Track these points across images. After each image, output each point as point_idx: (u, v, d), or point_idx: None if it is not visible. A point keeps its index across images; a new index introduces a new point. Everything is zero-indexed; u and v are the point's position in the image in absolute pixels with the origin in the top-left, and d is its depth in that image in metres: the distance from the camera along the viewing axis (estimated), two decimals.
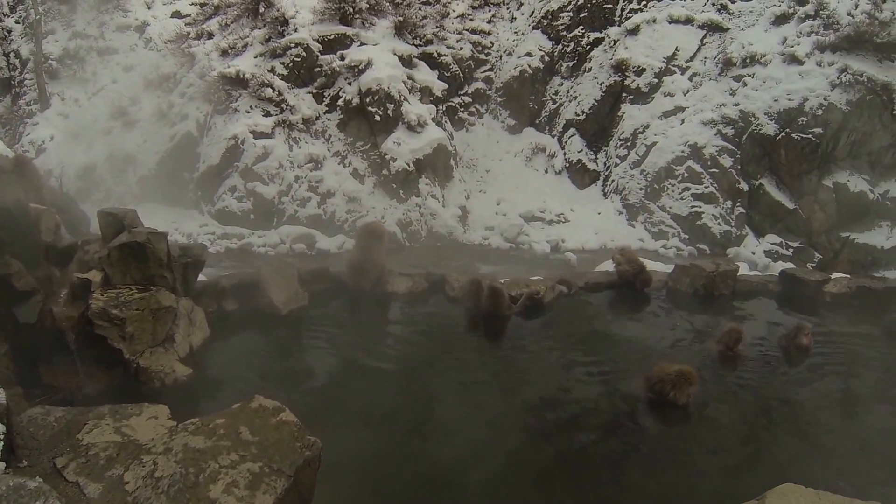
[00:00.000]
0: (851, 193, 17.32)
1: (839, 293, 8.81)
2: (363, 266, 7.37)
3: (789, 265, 15.62)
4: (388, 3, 20.01)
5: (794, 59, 17.86)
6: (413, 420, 4.67)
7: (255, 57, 18.09)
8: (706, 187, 17.47)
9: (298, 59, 18.02)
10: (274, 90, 17.52)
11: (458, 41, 20.78)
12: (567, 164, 20.31)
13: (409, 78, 17.93)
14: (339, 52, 18.22)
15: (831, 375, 6.23)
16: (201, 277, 6.96)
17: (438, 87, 18.69)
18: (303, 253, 16.25)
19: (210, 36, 19.45)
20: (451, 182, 18.44)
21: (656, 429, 4.92)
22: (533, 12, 21.68)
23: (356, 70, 17.78)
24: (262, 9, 18.90)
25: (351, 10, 18.84)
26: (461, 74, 20.61)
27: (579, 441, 4.55)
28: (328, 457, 3.79)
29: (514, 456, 4.35)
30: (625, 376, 5.53)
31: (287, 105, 17.63)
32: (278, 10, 18.70)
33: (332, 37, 18.42)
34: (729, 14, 19.82)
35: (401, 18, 19.46)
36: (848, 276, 10.33)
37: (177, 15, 21.66)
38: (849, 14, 17.98)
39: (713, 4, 20.05)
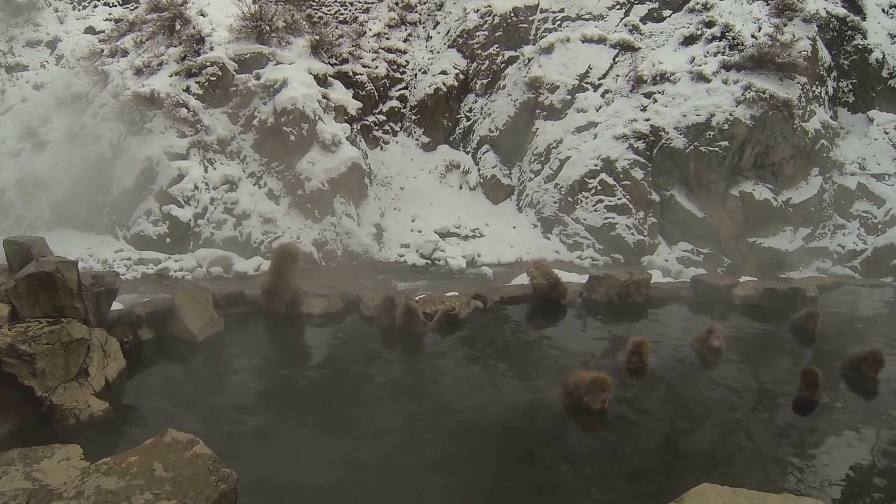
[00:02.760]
0: (757, 201, 19.81)
1: (747, 295, 9.65)
2: (277, 288, 7.63)
3: (701, 271, 17.76)
4: (304, 22, 21.52)
5: (701, 77, 20.33)
6: (332, 441, 4.86)
7: (171, 76, 18.96)
8: (619, 199, 19.62)
9: (214, 79, 19.04)
10: (189, 110, 18.45)
11: (373, 60, 22.58)
12: (481, 180, 22.34)
13: (325, 97, 19.31)
14: (254, 72, 19.36)
15: (743, 374, 6.82)
16: (116, 305, 7.24)
17: (353, 106, 20.19)
18: (220, 276, 16.96)
19: (124, 53, 20.16)
20: (365, 201, 19.73)
21: (574, 435, 5.22)
22: (449, 31, 23.81)
23: (272, 89, 18.96)
24: (178, 26, 19.94)
25: (268, 28, 20.12)
26: (376, 93, 22.38)
27: (498, 450, 4.77)
28: (247, 487, 3.97)
29: (438, 469, 4.61)
30: (542, 386, 5.83)
31: (202, 125, 18.56)
32: (194, 28, 19.78)
33: (249, 56, 19.56)
34: (640, 34, 22.42)
35: (317, 37, 20.83)
36: (755, 279, 11.50)
37: (90, 31, 22.45)
38: (752, 36, 20.67)
39: (625, 25, 22.66)
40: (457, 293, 8.83)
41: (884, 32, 23.21)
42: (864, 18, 23.19)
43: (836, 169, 21.10)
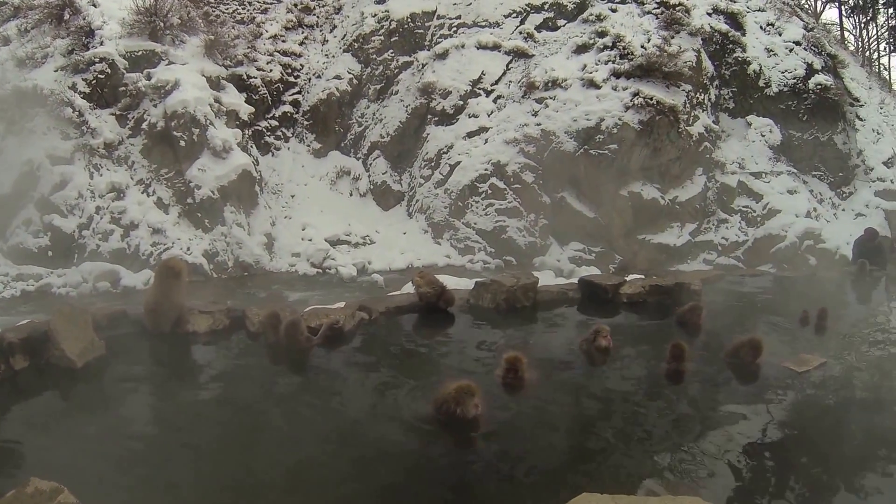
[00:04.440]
0: (645, 201, 22.05)
1: (634, 293, 10.11)
2: (161, 307, 7.53)
3: (593, 269, 19.76)
4: (200, 21, 21.97)
5: (592, 84, 22.49)
6: (218, 469, 4.76)
7: (56, 71, 18.74)
8: (510, 202, 21.42)
9: (102, 77, 19.04)
10: (74, 110, 18.26)
11: (268, 63, 23.68)
12: (372, 186, 23.83)
13: (216, 101, 19.81)
14: (145, 71, 19.46)
15: (630, 371, 7.12)
16: None
17: (245, 111, 20.90)
18: (107, 292, 16.66)
19: (6, 42, 19.68)
20: (256, 209, 20.32)
21: (453, 446, 5.24)
22: (345, 35, 25.36)
23: (163, 91, 19.17)
24: (68, 15, 19.61)
25: (162, 25, 20.27)
26: (269, 97, 23.41)
27: (376, 468, 4.76)
28: None
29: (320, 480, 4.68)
30: (422, 398, 5.85)
31: (88, 127, 18.42)
32: (84, 19, 19.62)
33: (140, 53, 19.71)
34: (535, 42, 24.61)
35: (212, 37, 21.28)
36: (642, 276, 12.44)
37: None
38: (642, 46, 23.11)
39: (521, 33, 24.82)
40: (343, 305, 8.94)
41: (761, 47, 26.66)
42: (743, 34, 26.60)
43: (718, 168, 23.79)
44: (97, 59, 19.12)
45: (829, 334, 8.55)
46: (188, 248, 18.27)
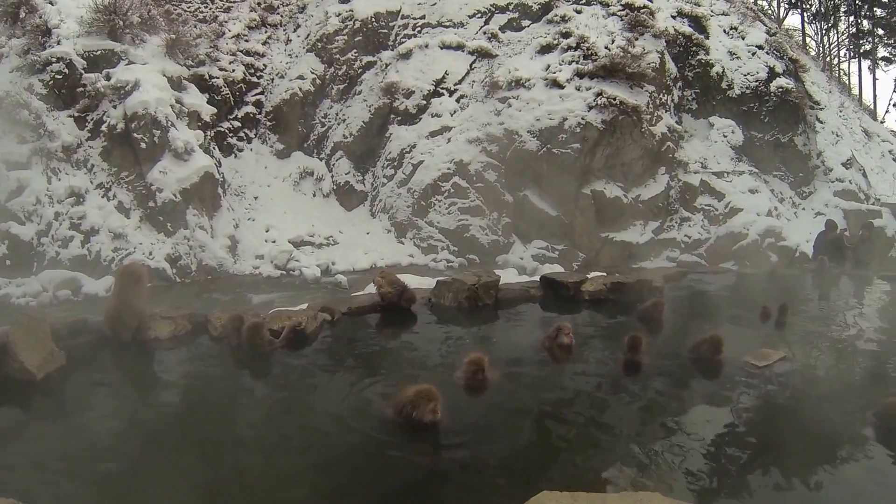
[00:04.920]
0: (608, 199, 22.74)
1: (596, 290, 10.44)
2: (122, 314, 7.50)
3: (556, 267, 20.34)
4: (161, 19, 21.86)
5: (555, 84, 23.15)
6: (184, 480, 4.71)
7: (11, 72, 18.41)
8: (472, 201, 21.99)
9: (60, 77, 18.73)
10: (31, 112, 17.87)
11: (231, 63, 23.90)
12: (335, 187, 24.24)
13: (178, 101, 19.90)
14: (105, 71, 19.30)
15: (593, 368, 7.30)
16: None
17: (207, 112, 20.94)
18: (68, 300, 16.49)
19: None
20: (219, 211, 20.43)
21: (414, 448, 5.27)
22: (309, 35, 25.79)
23: (122, 92, 19.05)
24: (23, 14, 19.29)
25: (121, 23, 20.09)
26: (232, 98, 23.63)
27: (336, 471, 4.82)
28: None
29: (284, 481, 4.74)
30: (383, 400, 5.92)
31: (45, 130, 17.97)
32: (41, 18, 19.24)
33: (99, 53, 19.52)
34: (499, 42, 25.29)
35: (173, 36, 21.24)
36: (604, 273, 12.45)
37: None
38: (606, 47, 23.80)
39: (485, 33, 25.48)
40: (305, 306, 9.01)
41: (724, 50, 27.77)
42: (707, 37, 27.60)
43: (681, 168, 24.61)
44: (54, 59, 18.84)
45: (790, 329, 8.85)
46: (150, 253, 18.31)
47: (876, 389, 6.65)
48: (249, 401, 6.29)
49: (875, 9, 52.15)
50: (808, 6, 53.51)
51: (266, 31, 25.77)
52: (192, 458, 5.05)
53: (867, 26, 52.70)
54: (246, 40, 24.85)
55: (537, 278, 11.52)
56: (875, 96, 56.21)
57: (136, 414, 5.92)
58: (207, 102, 21.55)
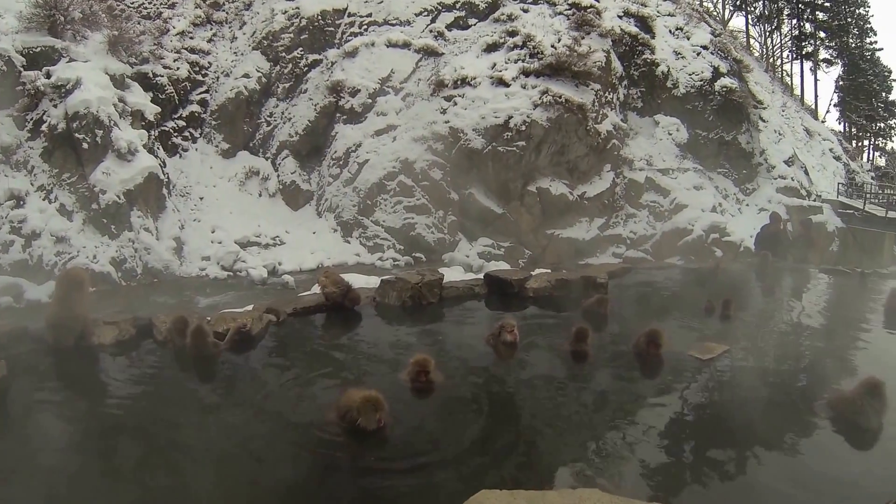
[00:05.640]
0: (553, 196, 23.90)
1: (540, 287, 10.63)
2: (64, 320, 7.49)
3: (502, 264, 21.31)
4: (104, 15, 22.07)
5: (501, 82, 24.24)
6: (131, 491, 4.74)
7: None
8: (418, 199, 22.95)
9: None
10: None
11: (175, 60, 24.47)
12: (281, 186, 25.06)
13: (121, 100, 20.01)
14: (45, 69, 19.29)
15: (540, 365, 7.37)
16: None
17: (151, 111, 21.28)
18: (10, 307, 16.37)
19: None
20: (164, 213, 20.79)
21: (359, 452, 5.32)
22: (255, 32, 26.61)
23: (63, 90, 19.10)
24: None
25: (62, 19, 20.18)
26: (176, 96, 24.18)
27: (280, 475, 4.90)
28: None
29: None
30: (327, 402, 5.97)
31: None
32: None
33: (39, 49, 19.54)
34: (445, 41, 26.41)
35: (116, 33, 21.60)
36: (548, 270, 13.05)
37: None
38: (552, 46, 25.01)
39: (431, 31, 26.58)
40: (251, 308, 9.12)
41: (669, 50, 29.34)
42: (653, 37, 29.17)
43: (626, 165, 25.97)
44: None
45: (733, 323, 9.16)
46: (94, 257, 18.44)
47: (818, 380, 7.03)
48: (193, 405, 6.33)
49: (817, 12, 55.90)
50: (752, 9, 57.02)
51: (211, 29, 26.37)
52: (136, 467, 5.07)
53: (809, 29, 56.40)
54: (191, 38, 25.41)
55: (482, 276, 11.63)
56: (816, 97, 60.19)
57: (81, 423, 5.95)
58: (151, 101, 21.86)
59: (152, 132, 21.49)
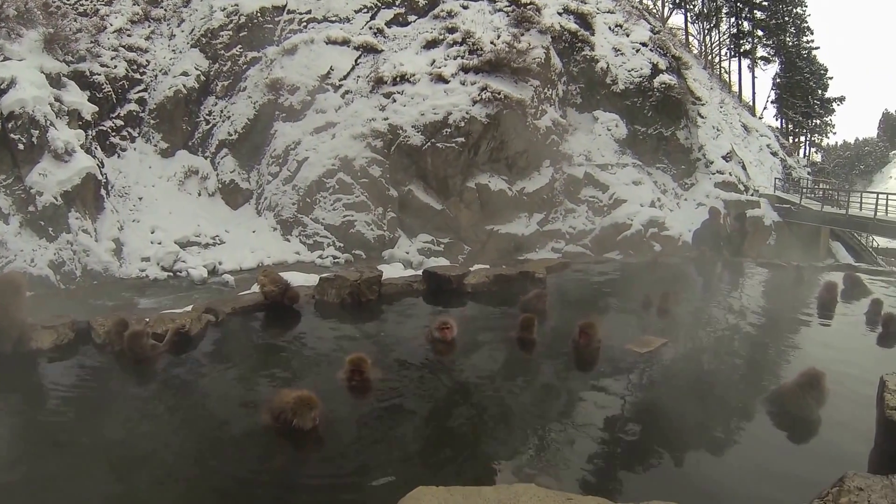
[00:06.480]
0: (493, 192, 25.30)
1: (479, 283, 11.00)
2: (0, 326, 7.56)
3: (442, 260, 22.68)
4: (39, 12, 22.48)
5: (440, 79, 25.56)
6: (64, 493, 4.79)
7: None
8: (357, 197, 24.08)
9: None
10: None
11: (113, 58, 25.12)
12: (220, 185, 26.02)
13: (57, 100, 20.68)
14: None
15: (478, 360, 7.58)
16: None
17: (89, 110, 21.99)
18: None
19: None
20: (103, 214, 21.27)
21: (294, 453, 5.43)
22: (193, 30, 27.48)
23: None
24: None
25: None
26: (114, 95, 24.84)
27: (216, 480, 4.96)
28: None
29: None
30: (261, 403, 6.02)
31: None
32: None
33: None
34: (384, 37, 27.72)
35: (52, 30, 22.10)
36: (487, 266, 13.48)
37: None
38: (492, 43, 26.41)
39: (371, 28, 27.86)
40: (190, 308, 9.26)
41: (609, 46, 31.06)
42: (592, 34, 30.94)
43: (565, 161, 27.47)
44: None
45: (671, 317, 9.45)
46: (32, 260, 18.71)
47: (755, 372, 7.34)
48: (130, 410, 6.32)
49: (755, 11, 59.03)
50: (691, 6, 59.74)
51: (149, 26, 27.09)
52: (71, 474, 5.07)
53: (747, 27, 59.42)
54: (128, 35, 26.07)
55: (421, 272, 11.85)
56: (754, 93, 64.12)
57: (18, 432, 5.93)
58: (88, 100, 22.48)
59: (90, 132, 22.01)
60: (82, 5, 26.09)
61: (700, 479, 4.91)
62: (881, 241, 38.70)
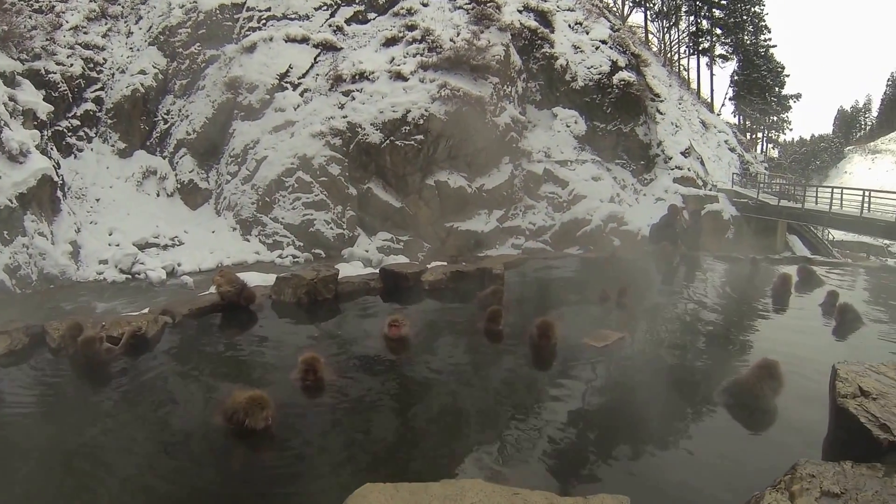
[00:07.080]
0: (452, 189, 26.20)
1: (436, 280, 11.10)
2: None
3: (401, 258, 23.40)
4: None
5: (399, 76, 26.41)
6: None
7: None
8: (316, 195, 24.81)
9: None
10: None
11: (69, 56, 25.54)
12: (179, 186, 26.61)
13: (11, 99, 21.03)
14: None
15: (435, 357, 7.66)
16: None
17: (44, 110, 22.36)
18: None
19: None
20: (59, 216, 21.48)
21: (242, 455, 5.51)
22: (151, 27, 28.06)
23: None
24: None
25: None
26: (70, 94, 25.30)
27: (169, 482, 5.02)
28: None
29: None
30: (215, 405, 6.10)
31: None
32: None
33: None
34: (344, 35, 28.54)
35: (5, 28, 22.49)
36: (444, 263, 13.88)
37: None
38: (451, 40, 27.26)
39: (330, 26, 28.65)
40: (146, 311, 9.37)
41: (568, 44, 32.07)
42: (552, 31, 31.94)
43: (524, 157, 28.47)
44: None
45: (628, 311, 9.63)
46: None
47: (713, 364, 7.52)
48: (84, 415, 6.35)
49: (714, 10, 61.53)
50: (651, 5, 61.98)
51: (106, 23, 27.55)
52: (23, 483, 5.07)
53: (706, 26, 62.06)
54: (85, 32, 26.49)
55: (374, 272, 11.96)
56: (712, 91, 66.17)
57: None
58: (44, 99, 22.86)
59: (45, 132, 22.31)
60: (37, 2, 26.41)
61: (653, 471, 5.01)
62: (837, 234, 40.14)
